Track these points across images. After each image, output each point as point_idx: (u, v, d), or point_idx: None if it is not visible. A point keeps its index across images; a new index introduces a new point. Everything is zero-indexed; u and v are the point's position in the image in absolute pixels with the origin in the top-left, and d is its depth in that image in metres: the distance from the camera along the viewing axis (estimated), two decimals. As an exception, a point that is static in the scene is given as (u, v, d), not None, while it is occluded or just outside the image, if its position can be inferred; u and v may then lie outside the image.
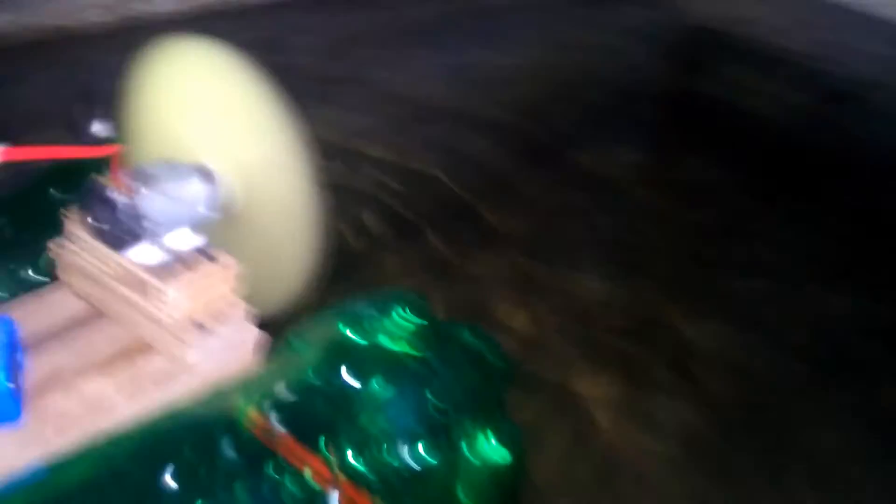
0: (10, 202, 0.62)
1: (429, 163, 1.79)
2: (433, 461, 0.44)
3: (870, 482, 1.14)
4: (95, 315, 0.49)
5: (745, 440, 1.28)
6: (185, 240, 0.46)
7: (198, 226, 0.50)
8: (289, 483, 0.41)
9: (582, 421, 1.24)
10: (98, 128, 0.59)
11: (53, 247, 0.52)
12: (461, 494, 0.44)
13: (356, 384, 0.45)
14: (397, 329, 0.46)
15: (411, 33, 2.22)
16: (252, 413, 0.41)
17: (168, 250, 0.45)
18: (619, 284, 1.53)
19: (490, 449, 0.46)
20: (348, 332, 0.47)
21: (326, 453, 0.42)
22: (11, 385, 0.48)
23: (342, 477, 0.42)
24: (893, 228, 0.94)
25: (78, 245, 0.49)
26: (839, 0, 1.23)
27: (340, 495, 0.41)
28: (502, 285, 1.53)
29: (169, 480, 0.41)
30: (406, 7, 2.09)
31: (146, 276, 0.44)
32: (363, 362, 0.45)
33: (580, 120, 1.24)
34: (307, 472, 0.41)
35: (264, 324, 0.60)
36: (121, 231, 0.45)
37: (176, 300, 0.42)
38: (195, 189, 0.46)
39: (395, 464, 0.42)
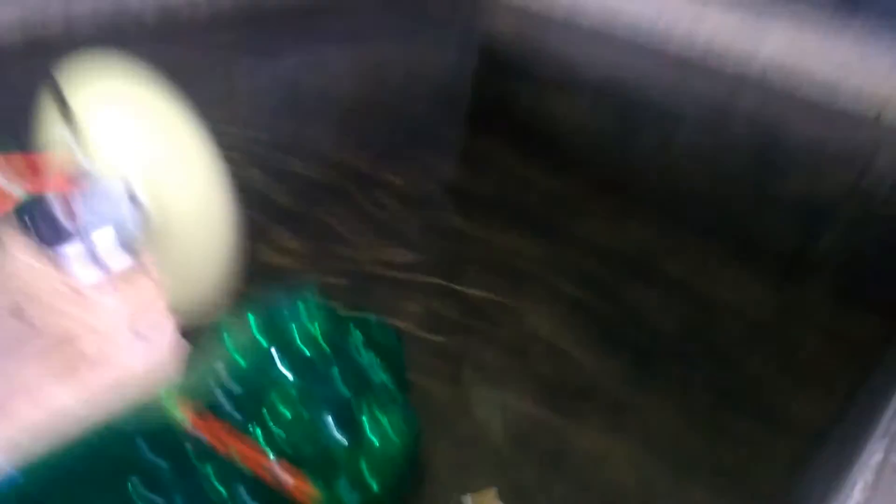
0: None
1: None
2: (342, 440, 0.45)
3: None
4: (34, 334, 0.49)
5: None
6: (118, 258, 0.47)
7: (124, 238, 0.48)
8: (224, 468, 0.42)
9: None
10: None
11: None
12: (366, 471, 0.45)
13: (273, 377, 0.46)
14: (303, 324, 0.47)
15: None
16: (186, 408, 0.43)
17: (102, 264, 0.45)
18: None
19: (386, 430, 0.47)
20: (262, 332, 0.48)
21: (259, 438, 0.44)
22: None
23: (274, 457, 0.43)
24: (690, 214, 0.97)
25: (16, 258, 0.47)
26: (629, 33, 1.29)
27: (277, 472, 0.41)
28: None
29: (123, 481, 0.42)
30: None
31: (89, 292, 0.44)
32: (278, 357, 0.46)
33: (391, 136, 1.24)
34: (240, 456, 0.42)
35: (184, 331, 0.61)
36: (54, 229, 0.44)
37: (117, 311, 0.43)
38: (117, 190, 0.47)
39: (314, 443, 0.43)
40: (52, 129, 0.52)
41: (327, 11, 1.52)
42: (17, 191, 0.44)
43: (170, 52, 1.25)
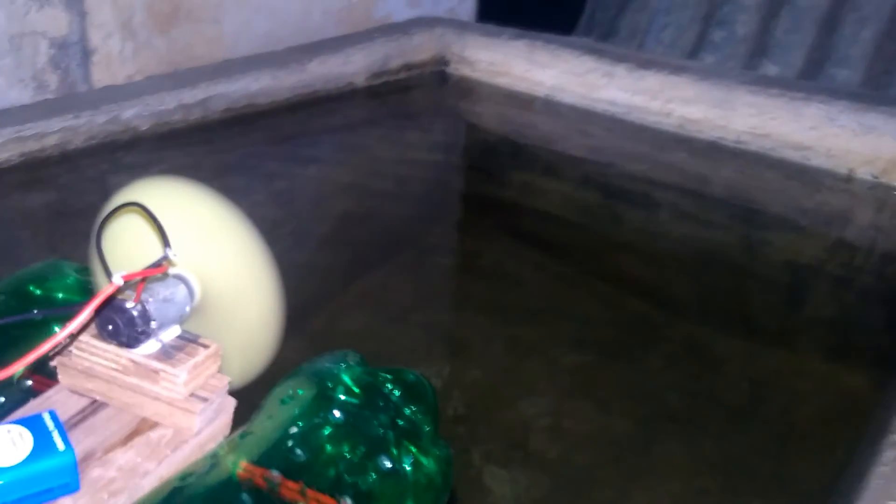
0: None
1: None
2: (387, 475, 0.53)
3: None
4: (99, 406, 0.54)
5: None
6: (178, 337, 0.57)
7: (183, 321, 0.55)
8: None
9: None
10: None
11: (59, 358, 0.56)
12: (411, 498, 0.53)
13: (320, 426, 0.54)
14: (346, 379, 0.56)
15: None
16: (245, 465, 0.49)
17: (162, 343, 0.55)
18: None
19: (424, 465, 0.55)
20: (310, 388, 0.56)
21: (311, 481, 0.50)
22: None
23: (333, 499, 0.50)
24: (676, 299, 0.99)
25: (87, 351, 0.54)
26: (608, 109, 1.32)
27: None
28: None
29: None
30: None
31: (158, 366, 0.53)
32: (324, 408, 0.55)
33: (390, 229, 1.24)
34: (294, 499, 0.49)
35: (234, 392, 0.64)
36: (135, 333, 0.53)
37: (185, 380, 0.52)
38: (181, 294, 0.57)
39: (362, 480, 0.51)
40: (121, 245, 0.60)
41: (316, 106, 1.55)
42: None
43: (165, 159, 1.27)
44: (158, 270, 0.54)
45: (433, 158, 1.44)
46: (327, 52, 1.53)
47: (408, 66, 1.70)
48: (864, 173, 1.26)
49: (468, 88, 1.67)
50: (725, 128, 1.34)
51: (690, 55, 2.02)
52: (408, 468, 0.54)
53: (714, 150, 1.37)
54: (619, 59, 1.47)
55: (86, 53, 1.46)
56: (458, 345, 0.96)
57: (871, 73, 1.77)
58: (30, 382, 0.60)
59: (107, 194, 1.15)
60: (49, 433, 0.48)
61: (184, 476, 0.48)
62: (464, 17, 2.27)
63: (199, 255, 0.59)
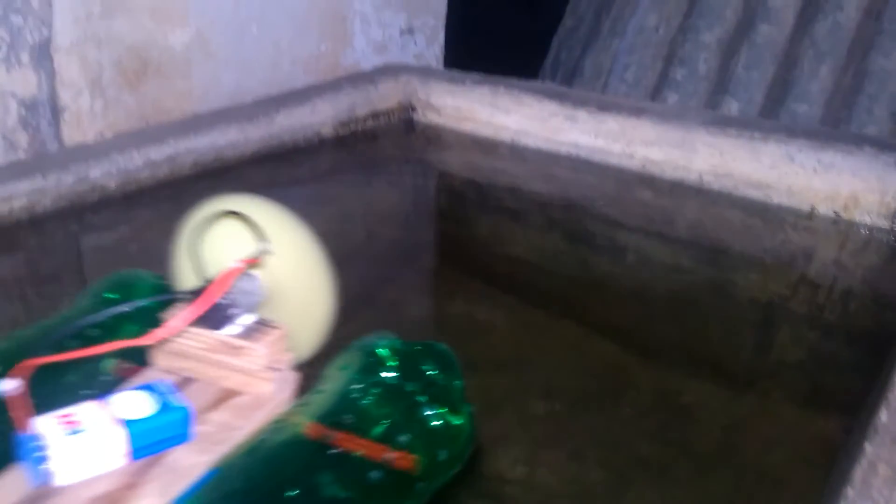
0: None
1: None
2: (426, 426, 0.65)
3: None
4: (187, 382, 0.66)
5: None
6: (249, 318, 0.68)
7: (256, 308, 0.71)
8: (341, 459, 0.58)
9: None
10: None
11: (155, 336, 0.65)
12: (440, 452, 0.65)
13: (368, 389, 0.65)
14: (385, 351, 0.68)
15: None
16: (309, 424, 0.59)
17: (241, 326, 0.67)
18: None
19: (454, 423, 0.68)
20: (357, 359, 0.68)
21: (365, 433, 0.61)
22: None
23: (389, 448, 0.60)
24: (645, 345, 0.99)
25: (183, 332, 0.66)
26: (572, 152, 1.32)
27: (385, 453, 0.60)
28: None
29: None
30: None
31: (242, 343, 0.65)
32: (369, 375, 0.66)
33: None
34: (363, 453, 0.58)
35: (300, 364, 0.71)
36: (220, 318, 0.65)
37: (263, 354, 0.65)
38: (256, 287, 0.70)
39: (409, 430, 0.63)
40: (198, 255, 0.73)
41: (283, 157, 1.53)
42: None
43: (134, 218, 1.25)
44: (259, 259, 0.68)
45: (400, 206, 1.43)
46: (294, 104, 1.52)
47: (374, 114, 1.70)
48: (825, 210, 1.26)
49: (435, 134, 1.66)
50: (687, 168, 1.34)
51: (654, 94, 2.03)
52: (440, 424, 0.65)
53: (677, 190, 1.37)
54: (581, 102, 1.46)
55: (56, 112, 1.44)
56: None
57: (831, 108, 1.78)
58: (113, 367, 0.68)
59: (76, 256, 1.13)
60: (167, 395, 0.59)
61: (262, 433, 0.56)
62: (431, 61, 2.27)
63: (267, 258, 0.72)
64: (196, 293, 0.64)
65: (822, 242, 1.25)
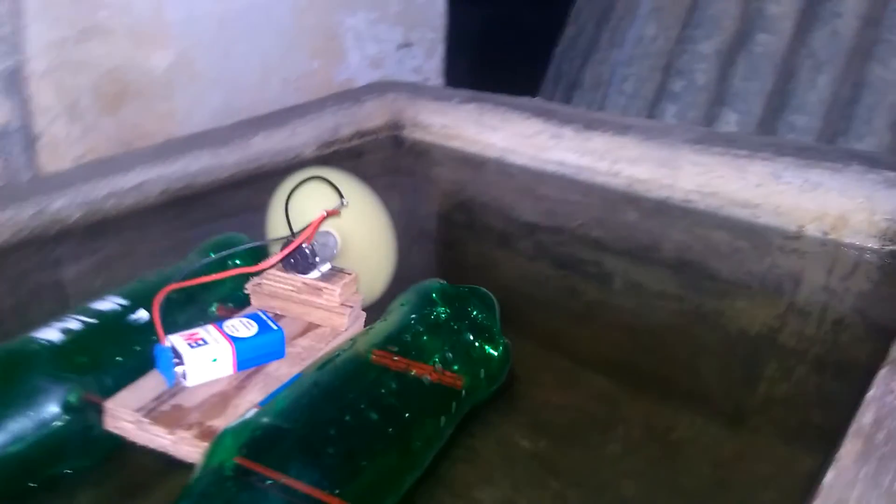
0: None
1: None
2: (470, 358, 0.79)
3: None
4: (277, 317, 0.82)
5: None
6: (327, 266, 0.84)
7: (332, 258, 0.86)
8: (399, 377, 0.69)
9: None
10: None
11: (250, 285, 0.85)
12: (481, 374, 0.80)
13: (422, 322, 0.78)
14: (436, 292, 0.81)
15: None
16: (371, 347, 0.71)
17: (321, 272, 0.83)
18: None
19: (493, 353, 0.82)
20: (412, 298, 0.81)
21: (419, 356, 0.73)
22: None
23: (440, 368, 0.73)
24: (633, 377, 0.93)
25: (272, 279, 0.82)
26: (558, 170, 1.27)
27: (441, 378, 0.73)
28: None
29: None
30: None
31: (322, 284, 0.81)
32: (423, 311, 0.79)
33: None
34: (420, 375, 0.71)
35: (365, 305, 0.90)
36: (308, 263, 0.80)
37: (339, 293, 0.80)
38: (332, 241, 0.86)
39: (455, 353, 0.76)
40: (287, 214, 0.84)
41: (262, 181, 1.48)
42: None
43: (97, 249, 1.20)
44: (337, 211, 0.83)
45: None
46: (272, 126, 1.47)
47: (360, 134, 1.65)
48: (813, 230, 1.19)
49: (422, 152, 1.61)
50: (672, 186, 1.28)
51: (652, 105, 1.97)
52: (481, 351, 0.80)
53: (663, 210, 1.31)
54: (567, 120, 1.41)
55: (30, 139, 1.41)
56: None
57: (829, 120, 1.71)
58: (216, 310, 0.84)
59: (36, 289, 1.08)
60: (265, 321, 0.76)
61: (334, 352, 0.70)
62: (431, 75, 2.23)
63: (339, 220, 0.87)
64: (287, 242, 0.79)
65: (810, 265, 1.19)
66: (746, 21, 1.88)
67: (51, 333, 0.64)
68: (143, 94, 1.56)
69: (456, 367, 0.76)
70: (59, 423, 0.59)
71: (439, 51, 2.23)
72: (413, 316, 0.78)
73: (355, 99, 1.63)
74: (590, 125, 1.41)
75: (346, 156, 1.62)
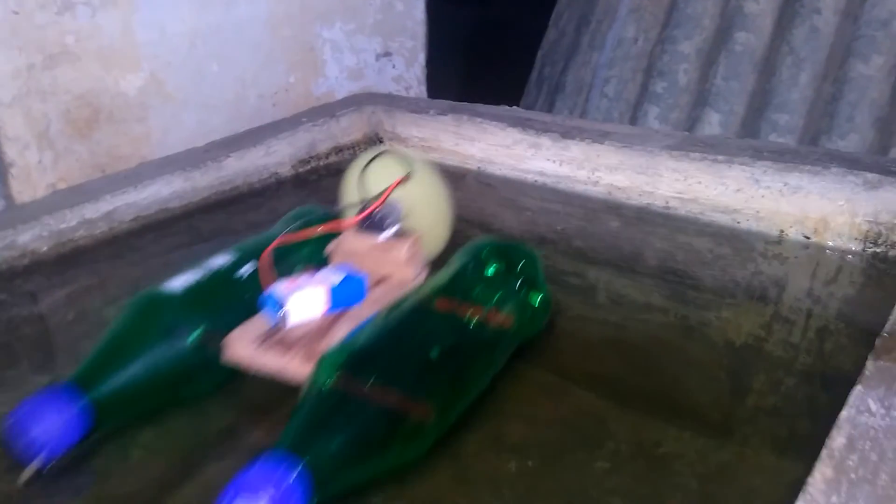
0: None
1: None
2: (519, 304, 0.91)
3: None
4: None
5: None
6: (395, 228, 0.96)
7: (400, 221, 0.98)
8: (464, 322, 0.83)
9: None
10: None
11: (331, 246, 0.98)
12: (527, 316, 0.92)
13: (478, 272, 0.90)
14: (487, 247, 0.94)
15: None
16: (434, 295, 0.82)
17: (390, 233, 0.95)
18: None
19: (538, 300, 0.95)
20: (469, 253, 0.93)
21: (477, 301, 0.85)
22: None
23: (492, 311, 0.85)
24: (620, 391, 0.92)
25: (349, 240, 0.95)
26: (538, 180, 1.26)
27: (493, 319, 0.86)
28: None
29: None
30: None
31: (392, 243, 0.94)
32: (478, 262, 0.91)
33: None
34: (475, 316, 0.82)
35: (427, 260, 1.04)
36: (380, 225, 0.94)
37: (408, 248, 0.93)
38: (399, 207, 0.97)
39: (508, 300, 0.89)
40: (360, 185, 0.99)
41: (237, 202, 1.46)
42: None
43: (68, 281, 1.18)
44: (406, 178, 0.98)
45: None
46: (246, 146, 1.44)
47: (337, 149, 1.63)
48: (795, 234, 1.17)
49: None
50: (653, 194, 1.26)
51: (635, 108, 1.95)
52: (527, 298, 0.93)
53: (644, 217, 1.29)
54: (544, 129, 1.39)
55: (1, 168, 1.38)
56: None
57: (812, 117, 1.69)
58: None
59: (5, 325, 1.05)
60: (350, 272, 0.89)
61: (401, 298, 0.82)
62: (412, 84, 2.21)
63: (404, 189, 1.00)
64: (363, 207, 0.94)
65: (793, 270, 1.17)
66: (726, 19, 1.86)
67: (179, 284, 0.81)
68: (116, 117, 1.54)
69: (505, 311, 0.89)
70: (186, 357, 0.76)
71: (420, 59, 2.21)
72: (468, 268, 0.91)
73: (331, 114, 1.61)
74: (567, 133, 1.38)
75: (325, 172, 1.60)
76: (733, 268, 1.22)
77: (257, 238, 0.96)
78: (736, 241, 1.26)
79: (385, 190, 0.96)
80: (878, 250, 1.19)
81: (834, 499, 0.63)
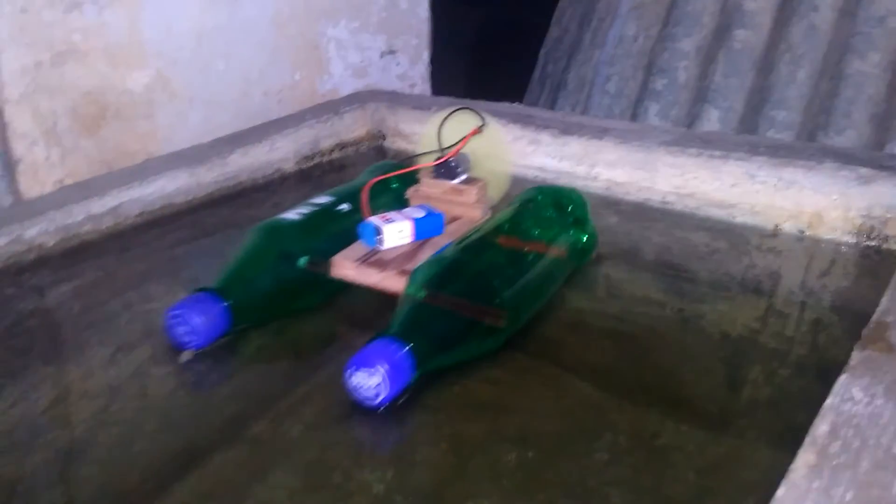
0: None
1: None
2: (570, 240, 1.07)
3: None
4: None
5: None
6: (465, 175, 1.10)
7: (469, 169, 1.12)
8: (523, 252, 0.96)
9: None
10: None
11: (410, 191, 1.11)
12: (578, 248, 1.09)
13: (536, 212, 1.04)
14: (542, 192, 1.09)
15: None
16: (497, 231, 0.95)
17: (461, 179, 1.09)
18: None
19: (586, 237, 1.11)
20: (527, 197, 1.08)
21: (535, 237, 0.98)
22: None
23: (550, 244, 0.99)
24: (619, 383, 0.92)
25: (427, 185, 1.09)
26: (538, 175, 1.26)
27: (548, 250, 1.00)
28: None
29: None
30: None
31: (463, 187, 1.07)
32: (535, 203, 1.06)
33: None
34: (533, 249, 0.96)
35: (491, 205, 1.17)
36: (454, 172, 1.08)
37: (475, 192, 1.07)
38: (467, 157, 1.11)
39: (560, 235, 1.05)
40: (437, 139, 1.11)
41: (241, 197, 1.46)
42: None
43: (75, 275, 1.19)
44: (478, 130, 1.11)
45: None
46: (250, 142, 1.45)
47: (341, 145, 1.64)
48: (790, 228, 1.18)
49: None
50: (651, 189, 1.27)
51: (636, 105, 1.95)
52: (577, 234, 1.08)
53: (642, 212, 1.29)
54: (544, 125, 1.39)
55: (9, 165, 1.39)
56: (402, 447, 0.88)
57: (809, 114, 1.69)
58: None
59: (13, 318, 1.06)
60: (430, 209, 1.04)
61: (469, 232, 0.96)
62: (417, 81, 2.21)
63: (473, 143, 1.12)
64: (440, 156, 1.09)
65: (787, 264, 1.17)
66: (725, 17, 1.86)
67: (292, 216, 0.98)
68: (123, 114, 1.55)
69: (558, 244, 1.03)
70: (300, 274, 0.94)
71: (424, 57, 2.22)
72: (527, 208, 1.04)
73: (335, 110, 1.61)
74: (567, 129, 1.39)
75: (329, 168, 1.60)
76: (729, 261, 1.22)
77: (348, 184, 1.12)
78: (732, 236, 1.27)
79: (459, 141, 1.09)
80: (872, 244, 1.19)
81: (816, 484, 0.63)
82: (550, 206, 1.07)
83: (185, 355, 0.89)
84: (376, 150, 1.70)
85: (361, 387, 0.78)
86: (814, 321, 1.09)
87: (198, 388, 0.93)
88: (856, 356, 0.81)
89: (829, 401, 0.73)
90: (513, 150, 1.34)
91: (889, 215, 1.16)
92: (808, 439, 0.68)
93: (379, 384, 0.76)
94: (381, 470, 0.81)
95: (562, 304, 1.12)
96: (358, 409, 0.87)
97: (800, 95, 1.72)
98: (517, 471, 0.84)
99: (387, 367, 0.76)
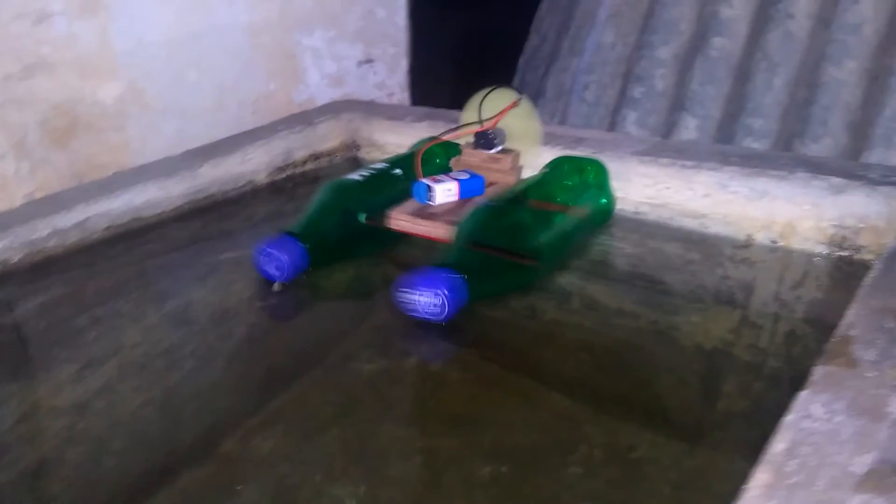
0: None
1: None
2: (592, 202, 1.24)
3: None
4: (472, 176, 1.22)
5: None
6: (501, 145, 1.24)
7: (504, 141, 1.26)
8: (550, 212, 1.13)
9: None
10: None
11: (453, 160, 1.27)
12: (598, 210, 1.26)
13: (559, 179, 1.21)
14: (568, 161, 1.26)
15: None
16: (528, 194, 1.13)
17: (497, 149, 1.23)
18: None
19: (606, 201, 1.27)
20: (553, 165, 1.24)
21: (559, 200, 1.17)
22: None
23: (568, 203, 1.17)
24: (594, 396, 0.93)
25: (467, 154, 1.24)
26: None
27: (572, 211, 1.18)
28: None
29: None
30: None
31: (499, 156, 1.22)
32: (559, 172, 1.23)
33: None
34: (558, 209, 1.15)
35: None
36: (491, 143, 1.22)
37: (510, 160, 1.22)
38: (503, 131, 1.24)
39: (580, 197, 1.22)
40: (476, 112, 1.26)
41: (211, 211, 1.46)
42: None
43: (40, 290, 1.19)
44: (515, 104, 1.26)
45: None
46: (222, 154, 1.45)
47: (315, 156, 1.64)
48: (762, 238, 1.19)
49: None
50: (624, 199, 1.28)
51: (614, 113, 1.96)
52: (597, 198, 1.25)
53: (615, 222, 1.30)
54: (520, 135, 1.39)
55: (-23, 179, 1.38)
56: (375, 461, 0.88)
57: (786, 122, 1.70)
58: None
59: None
60: (472, 174, 1.22)
61: (503, 193, 1.16)
62: (395, 90, 2.21)
63: (507, 118, 1.26)
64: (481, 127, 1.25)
65: (761, 275, 1.18)
66: (702, 25, 1.87)
67: (355, 177, 1.19)
68: (94, 126, 1.55)
69: (579, 205, 1.18)
70: (362, 225, 1.14)
71: (402, 65, 2.22)
72: (554, 175, 1.21)
73: (308, 121, 1.62)
74: (543, 139, 1.40)
75: (301, 180, 1.60)
76: (702, 272, 1.23)
77: (400, 154, 1.32)
78: (705, 246, 1.27)
79: (497, 114, 1.23)
80: (844, 254, 1.20)
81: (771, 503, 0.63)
82: (574, 172, 1.23)
83: (276, 286, 1.09)
84: (350, 160, 1.70)
85: (420, 304, 0.95)
86: (787, 333, 1.10)
87: (167, 405, 0.94)
88: (817, 371, 0.81)
89: (787, 418, 0.73)
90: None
91: (861, 225, 1.17)
92: (764, 458, 0.68)
93: (439, 304, 0.95)
94: (352, 485, 0.81)
95: (535, 316, 1.13)
96: (326, 425, 0.88)
97: (776, 103, 1.74)
98: (491, 485, 0.84)
99: (446, 292, 0.94)
